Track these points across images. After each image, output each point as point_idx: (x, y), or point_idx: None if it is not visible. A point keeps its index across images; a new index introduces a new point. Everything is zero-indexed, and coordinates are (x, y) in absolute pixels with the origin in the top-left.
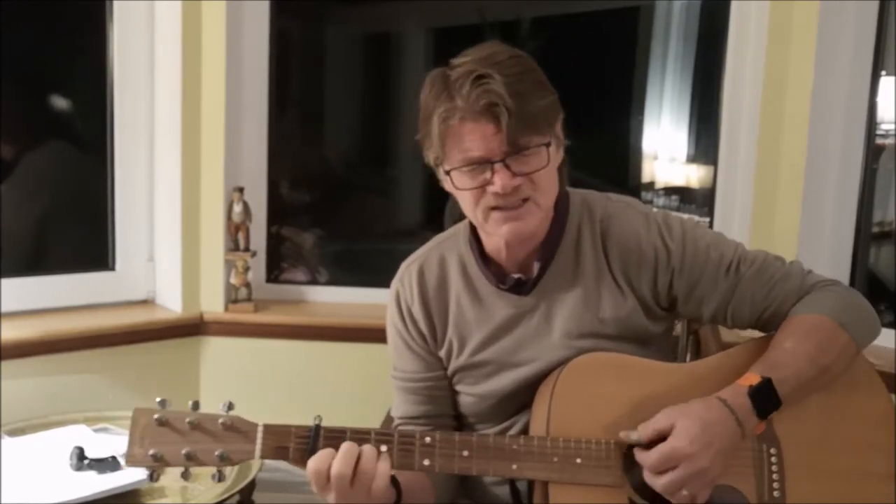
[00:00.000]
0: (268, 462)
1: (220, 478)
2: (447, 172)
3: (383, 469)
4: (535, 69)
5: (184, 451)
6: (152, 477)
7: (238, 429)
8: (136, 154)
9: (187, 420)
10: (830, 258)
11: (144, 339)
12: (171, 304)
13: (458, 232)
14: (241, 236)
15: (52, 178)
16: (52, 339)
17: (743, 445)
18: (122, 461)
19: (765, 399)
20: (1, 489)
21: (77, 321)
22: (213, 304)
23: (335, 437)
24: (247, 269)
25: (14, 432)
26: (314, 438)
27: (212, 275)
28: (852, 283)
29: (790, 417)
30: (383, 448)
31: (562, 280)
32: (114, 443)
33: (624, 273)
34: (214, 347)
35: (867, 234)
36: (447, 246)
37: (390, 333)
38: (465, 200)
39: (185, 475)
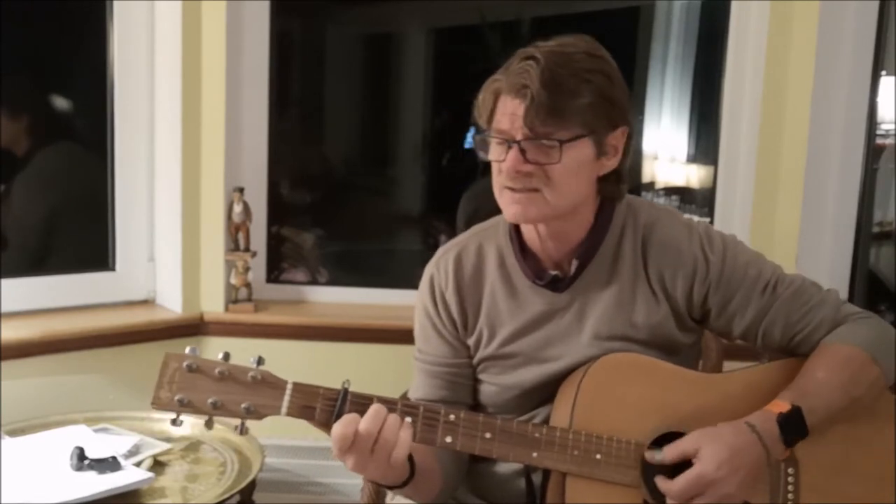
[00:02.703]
0: (269, 462)
1: (243, 430)
2: (480, 132)
3: (405, 437)
4: (606, 72)
5: (211, 400)
6: (175, 422)
7: (268, 383)
8: (136, 154)
9: (217, 370)
10: (831, 258)
11: (145, 340)
12: (172, 305)
13: (498, 223)
14: (241, 236)
15: (58, 178)
16: (53, 340)
17: None
18: (122, 461)
19: (793, 427)
20: (1, 489)
21: (77, 321)
22: (213, 305)
23: (362, 403)
24: (247, 269)
25: (14, 432)
26: (342, 402)
27: (212, 275)
28: (853, 283)
29: (811, 441)
30: (408, 419)
31: (598, 281)
32: (114, 443)
33: (660, 280)
34: (215, 347)
35: (867, 234)
36: (486, 236)
37: (419, 316)
38: (492, 170)
39: (209, 424)
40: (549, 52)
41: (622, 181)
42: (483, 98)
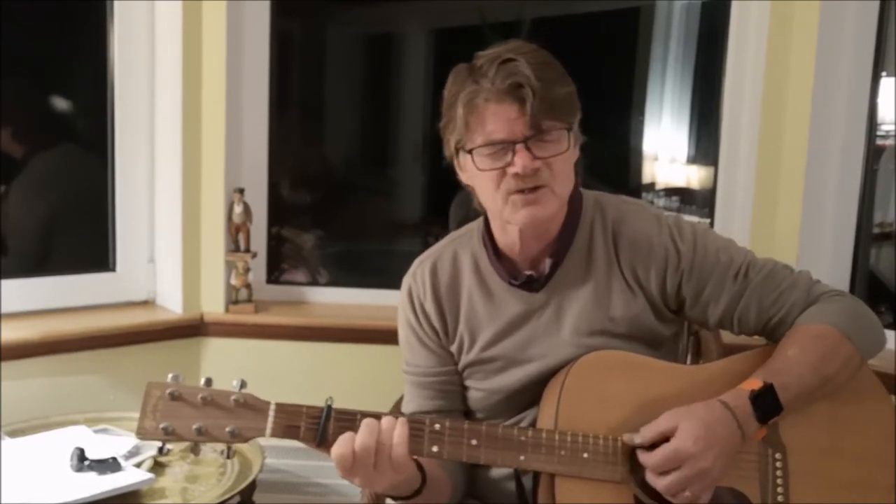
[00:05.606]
0: (268, 463)
1: (230, 454)
2: (469, 151)
3: (401, 434)
4: (558, 63)
5: (195, 426)
6: (162, 450)
7: (250, 406)
8: (136, 155)
9: (200, 395)
10: (831, 259)
11: (145, 340)
12: (172, 305)
13: (472, 230)
14: (241, 237)
15: (57, 179)
16: (53, 340)
17: (749, 449)
18: (122, 462)
19: (766, 404)
20: (1, 490)
21: (78, 322)
22: (213, 305)
23: (346, 419)
24: (247, 270)
25: (14, 433)
26: (325, 419)
27: (212, 276)
28: (853, 283)
29: (797, 425)
30: (402, 417)
31: (573, 278)
32: (114, 444)
33: (634, 273)
34: (215, 348)
35: (868, 235)
36: (461, 243)
37: (402, 328)
38: (485, 185)
39: (195, 450)
40: (518, 53)
41: (580, 170)
42: (461, 113)
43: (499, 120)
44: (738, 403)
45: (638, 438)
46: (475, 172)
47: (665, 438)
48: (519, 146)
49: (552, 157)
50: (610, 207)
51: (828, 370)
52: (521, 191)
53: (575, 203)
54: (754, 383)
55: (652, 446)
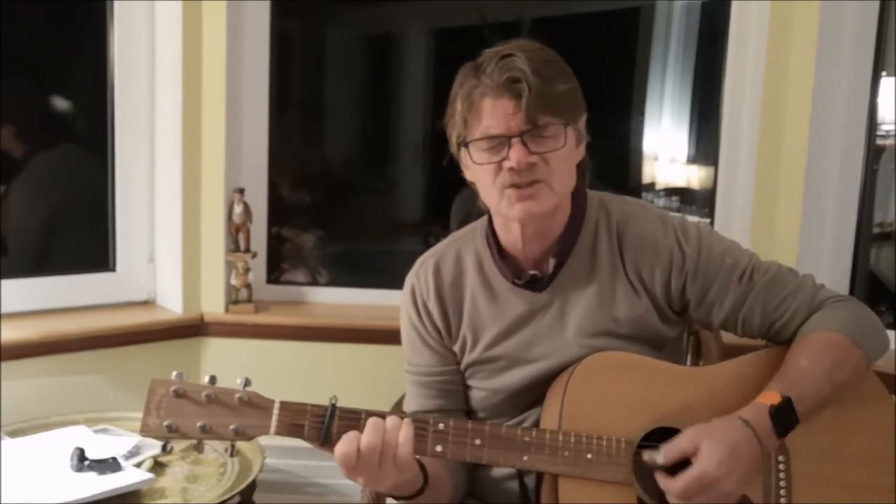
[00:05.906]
0: (269, 463)
1: (233, 453)
2: (466, 144)
3: (406, 436)
4: (562, 61)
5: (199, 424)
6: (165, 448)
7: (255, 404)
8: (136, 155)
9: (204, 393)
10: (831, 259)
11: (145, 340)
12: (172, 305)
13: (475, 229)
14: (241, 237)
15: (57, 179)
16: (53, 340)
17: None
18: (122, 462)
19: (785, 418)
20: (1, 490)
21: (78, 322)
22: (213, 305)
23: (350, 418)
24: (247, 270)
25: (14, 433)
26: (329, 418)
27: (212, 276)
28: (853, 283)
29: (800, 428)
30: (407, 418)
31: (577, 278)
32: (114, 444)
33: (638, 274)
34: (215, 348)
35: (868, 235)
36: (464, 242)
37: (405, 327)
38: (483, 179)
39: (199, 448)
40: (521, 49)
41: (587, 171)
42: (460, 109)
43: (496, 114)
44: (758, 420)
45: (660, 458)
46: (474, 167)
47: (686, 457)
48: (514, 140)
49: (548, 152)
50: (614, 208)
51: (840, 377)
52: (517, 185)
53: (579, 203)
54: (772, 397)
55: (672, 469)
